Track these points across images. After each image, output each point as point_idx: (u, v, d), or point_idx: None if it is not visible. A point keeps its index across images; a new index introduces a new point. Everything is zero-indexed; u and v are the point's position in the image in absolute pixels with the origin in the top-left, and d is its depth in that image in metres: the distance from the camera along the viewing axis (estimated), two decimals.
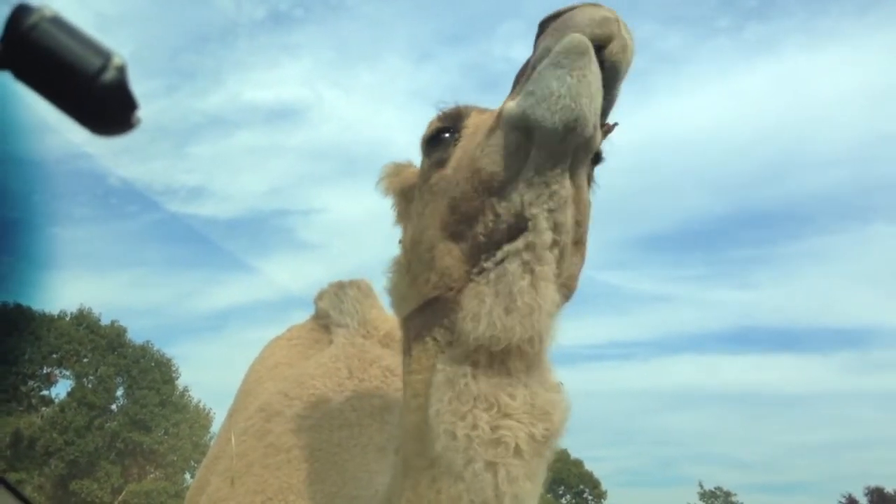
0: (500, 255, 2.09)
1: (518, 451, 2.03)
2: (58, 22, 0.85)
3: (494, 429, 2.02)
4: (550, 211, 2.05)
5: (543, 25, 2.03)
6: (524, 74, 2.08)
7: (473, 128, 2.31)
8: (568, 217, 2.08)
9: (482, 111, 2.38)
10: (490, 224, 2.10)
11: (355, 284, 4.08)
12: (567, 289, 2.22)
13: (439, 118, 2.45)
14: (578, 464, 63.91)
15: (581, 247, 2.23)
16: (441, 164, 2.33)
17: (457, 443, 2.03)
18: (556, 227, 2.07)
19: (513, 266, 2.07)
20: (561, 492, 63.58)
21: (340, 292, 4.06)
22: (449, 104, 2.46)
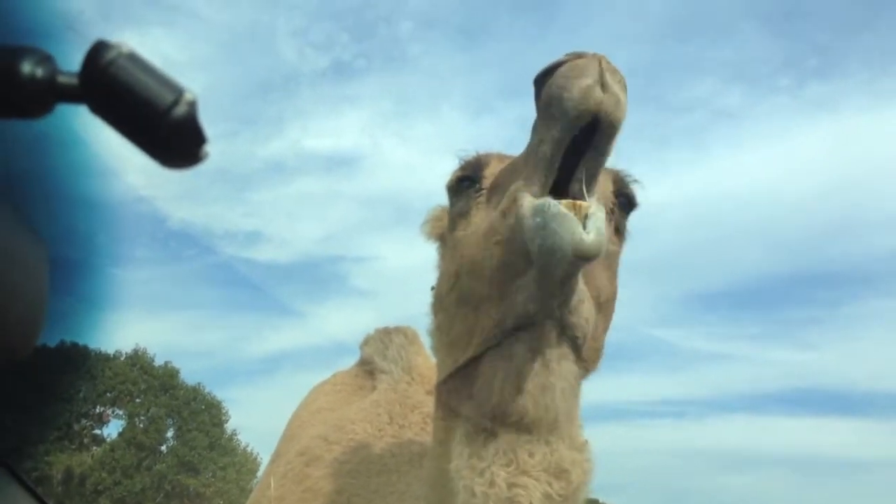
0: (511, 338, 2.06)
1: None
2: (134, 58, 0.88)
3: (511, 486, 2.01)
4: (560, 318, 2.02)
5: (538, 83, 2.00)
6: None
7: (492, 177, 2.30)
8: (582, 314, 2.05)
9: (502, 158, 2.36)
10: (499, 312, 2.07)
11: (401, 331, 4.08)
12: (593, 351, 2.20)
13: (461, 167, 2.44)
14: None
15: (605, 311, 2.21)
16: (463, 215, 2.33)
17: (476, 500, 2.04)
18: (567, 327, 2.04)
19: (521, 350, 2.05)
20: None
21: (386, 338, 4.06)
22: (469, 153, 2.46)
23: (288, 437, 4.06)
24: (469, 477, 2.06)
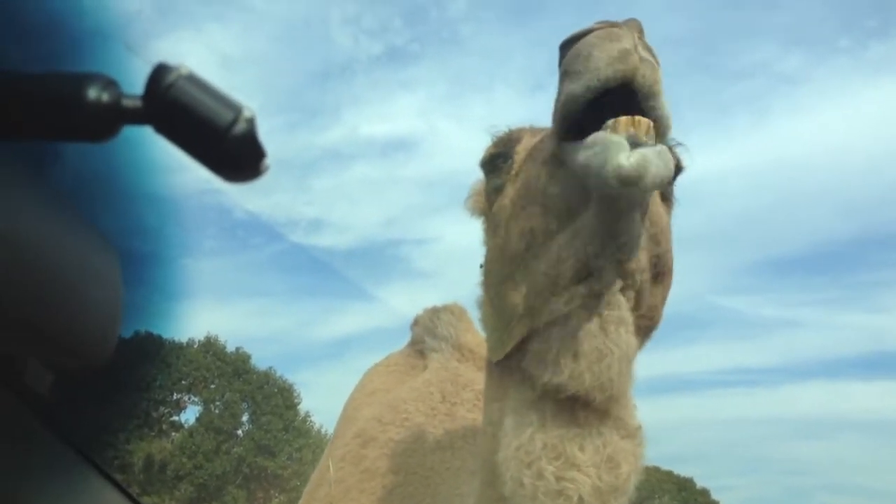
0: (566, 296, 2.00)
1: (581, 503, 2.00)
2: (193, 79, 0.93)
3: (559, 479, 1.99)
4: (619, 262, 1.96)
5: (563, 49, 1.92)
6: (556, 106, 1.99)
7: (525, 152, 2.24)
8: (641, 260, 2.00)
9: (535, 132, 2.31)
10: (553, 266, 2.00)
11: (449, 309, 4.06)
12: (649, 320, 2.14)
13: (493, 144, 2.41)
14: (705, 493, 61.54)
15: (663, 277, 2.14)
16: (499, 190, 2.29)
17: (524, 490, 2.03)
18: (626, 274, 1.99)
19: (578, 309, 1.99)
20: None
21: (434, 317, 4.05)
22: (501, 129, 2.43)
23: (344, 419, 4.08)
24: (517, 468, 2.04)
